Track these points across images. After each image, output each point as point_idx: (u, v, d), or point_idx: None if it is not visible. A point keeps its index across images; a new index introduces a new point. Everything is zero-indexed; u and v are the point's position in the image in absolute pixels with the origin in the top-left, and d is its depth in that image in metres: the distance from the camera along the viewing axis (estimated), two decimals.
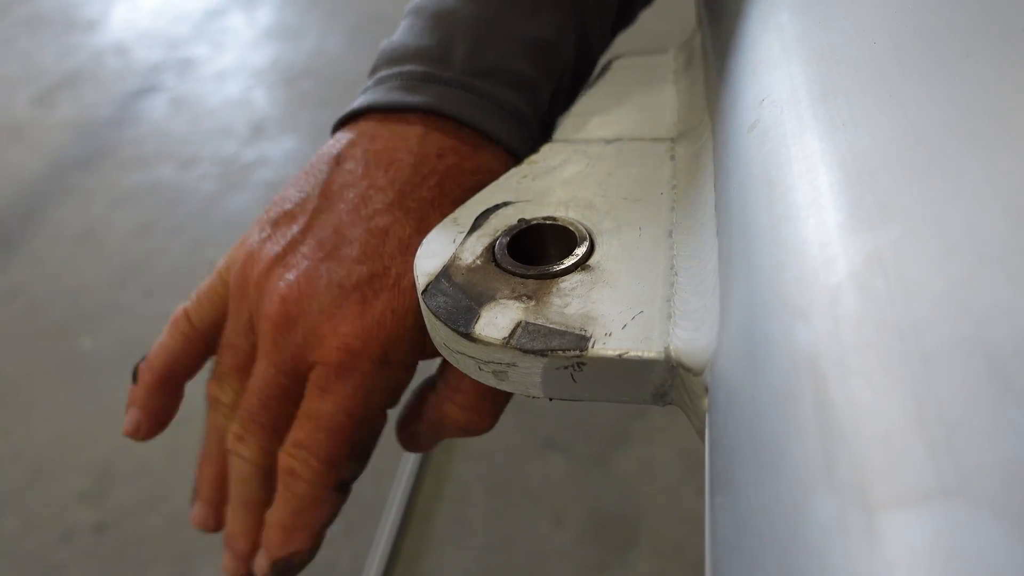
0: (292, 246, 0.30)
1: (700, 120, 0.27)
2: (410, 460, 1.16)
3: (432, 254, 0.27)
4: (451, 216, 0.28)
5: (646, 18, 0.46)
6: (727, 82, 0.24)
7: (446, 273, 0.26)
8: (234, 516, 0.33)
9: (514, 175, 0.29)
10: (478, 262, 0.26)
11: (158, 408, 0.34)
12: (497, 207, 0.28)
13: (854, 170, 0.15)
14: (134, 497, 1.18)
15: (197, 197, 1.80)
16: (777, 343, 0.14)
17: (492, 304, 0.24)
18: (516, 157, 0.32)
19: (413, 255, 0.28)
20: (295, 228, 0.31)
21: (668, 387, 0.21)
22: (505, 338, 0.23)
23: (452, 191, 0.30)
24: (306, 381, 0.30)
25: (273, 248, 0.31)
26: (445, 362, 0.31)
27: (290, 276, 0.29)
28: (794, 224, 0.15)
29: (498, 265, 0.26)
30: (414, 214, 0.30)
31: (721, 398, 0.16)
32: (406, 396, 0.34)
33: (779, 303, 0.14)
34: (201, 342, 0.34)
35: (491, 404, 0.31)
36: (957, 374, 0.11)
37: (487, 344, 0.23)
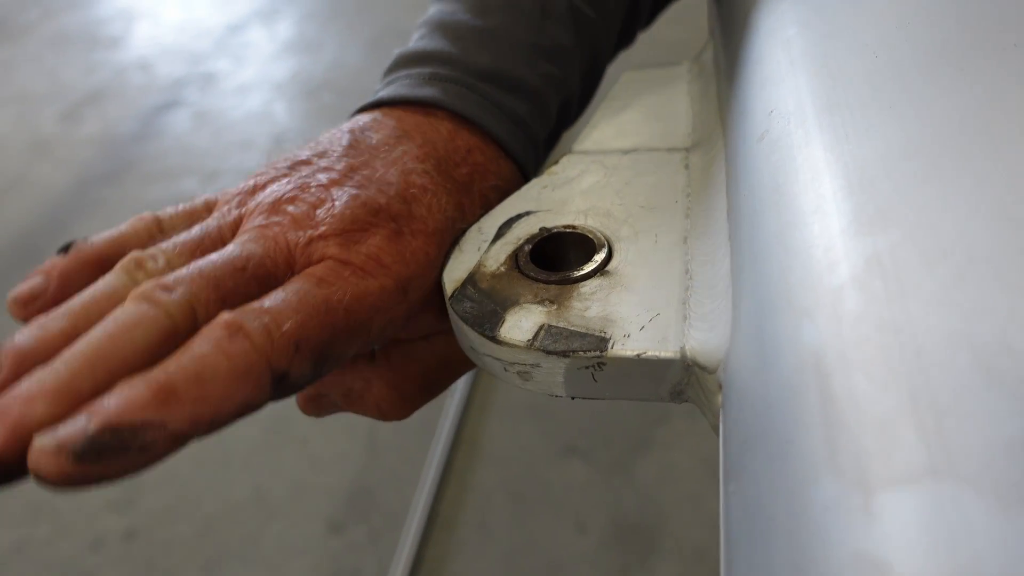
0: (317, 174, 0.28)
1: (713, 131, 0.28)
2: (433, 467, 1.17)
3: (459, 262, 0.28)
4: (475, 225, 0.30)
5: (662, 25, 0.47)
6: (737, 94, 0.25)
7: (472, 280, 0.27)
8: (59, 372, 0.21)
9: (535, 186, 0.31)
10: (502, 269, 0.27)
11: (67, 288, 0.26)
12: (519, 216, 0.29)
13: (856, 179, 0.16)
14: (162, 504, 1.20)
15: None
16: (785, 341, 0.15)
17: (516, 308, 0.25)
18: (517, 164, 0.32)
19: (450, 225, 0.28)
20: (316, 166, 0.29)
21: (684, 385, 0.22)
22: (529, 340, 0.24)
23: (480, 185, 0.30)
24: (287, 275, 0.26)
25: (290, 179, 0.28)
26: (390, 347, 0.30)
27: (317, 186, 0.27)
28: (800, 229, 0.16)
29: (521, 272, 0.27)
30: (450, 188, 0.29)
31: (734, 394, 0.17)
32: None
33: (786, 303, 0.15)
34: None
35: (420, 399, 0.30)
36: (947, 366, 0.12)
37: (512, 346, 0.24)
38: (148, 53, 2.65)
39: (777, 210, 0.18)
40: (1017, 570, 0.10)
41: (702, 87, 0.32)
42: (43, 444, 0.19)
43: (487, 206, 0.31)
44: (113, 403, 0.20)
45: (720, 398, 0.19)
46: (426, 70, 0.32)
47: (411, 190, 0.28)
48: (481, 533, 1.12)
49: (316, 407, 0.31)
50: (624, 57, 0.39)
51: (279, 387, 0.23)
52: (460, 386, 1.30)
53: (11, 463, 0.20)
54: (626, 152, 0.30)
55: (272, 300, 0.24)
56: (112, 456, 0.20)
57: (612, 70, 0.37)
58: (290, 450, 1.26)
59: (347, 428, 1.27)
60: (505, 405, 1.30)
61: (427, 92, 0.31)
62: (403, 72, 0.33)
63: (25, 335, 0.23)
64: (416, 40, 0.34)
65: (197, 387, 0.21)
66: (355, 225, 0.26)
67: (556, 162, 0.31)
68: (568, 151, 0.32)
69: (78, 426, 0.20)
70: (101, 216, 1.86)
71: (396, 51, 0.34)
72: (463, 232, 0.30)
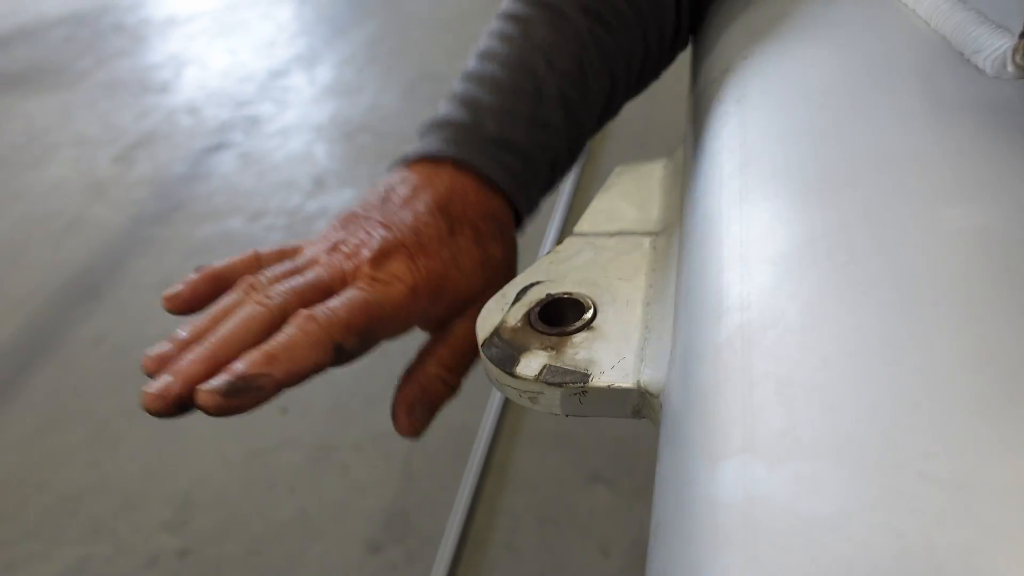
0: (362, 223, 0.41)
1: (674, 220, 0.36)
2: (465, 492, 1.24)
3: (488, 319, 0.38)
4: (500, 292, 0.39)
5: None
6: (687, 195, 0.33)
7: (497, 332, 0.37)
8: (207, 347, 0.35)
9: (544, 261, 0.40)
10: (518, 324, 0.37)
11: (199, 293, 0.40)
12: (532, 285, 0.39)
13: (745, 276, 0.24)
14: (213, 525, 1.28)
15: (265, 247, 1.93)
16: (693, 374, 0.22)
17: (527, 353, 0.35)
18: (512, 204, 0.44)
19: (447, 246, 0.41)
20: (362, 217, 0.42)
21: (641, 406, 0.31)
22: (536, 375, 0.34)
23: (471, 218, 0.43)
24: (343, 288, 0.38)
25: (346, 228, 0.41)
26: (433, 341, 0.43)
27: (362, 233, 0.41)
28: (709, 302, 0.24)
29: (532, 327, 0.36)
30: (446, 221, 0.41)
31: (667, 410, 0.25)
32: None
33: (693, 353, 0.23)
34: (256, 272, 0.40)
35: (463, 364, 0.42)
36: (768, 399, 0.19)
37: (524, 379, 0.34)
38: (196, 97, 2.78)
39: (702, 290, 0.25)
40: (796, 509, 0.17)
41: (671, 182, 0.41)
42: (203, 387, 0.33)
43: (477, 231, 0.43)
44: (240, 364, 0.34)
45: (662, 414, 0.27)
46: (445, 133, 0.44)
47: (419, 227, 0.41)
48: (510, 554, 1.19)
49: (413, 418, 0.42)
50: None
51: (339, 355, 0.36)
52: (490, 417, 1.37)
53: (186, 401, 0.33)
54: (611, 235, 0.40)
55: (332, 301, 0.37)
56: (243, 393, 0.33)
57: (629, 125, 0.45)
58: (332, 475, 1.33)
59: (385, 455, 1.35)
60: (533, 434, 1.36)
61: (440, 151, 0.43)
62: (430, 135, 0.45)
63: (185, 330, 0.37)
64: (443, 109, 0.46)
65: (288, 352, 0.34)
66: (383, 255, 0.40)
67: (560, 243, 0.41)
68: (571, 233, 0.42)
69: (222, 378, 0.33)
70: (153, 254, 1.97)
71: (429, 118, 0.46)
72: (458, 260, 0.42)
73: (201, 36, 3.32)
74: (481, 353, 0.36)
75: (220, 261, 0.41)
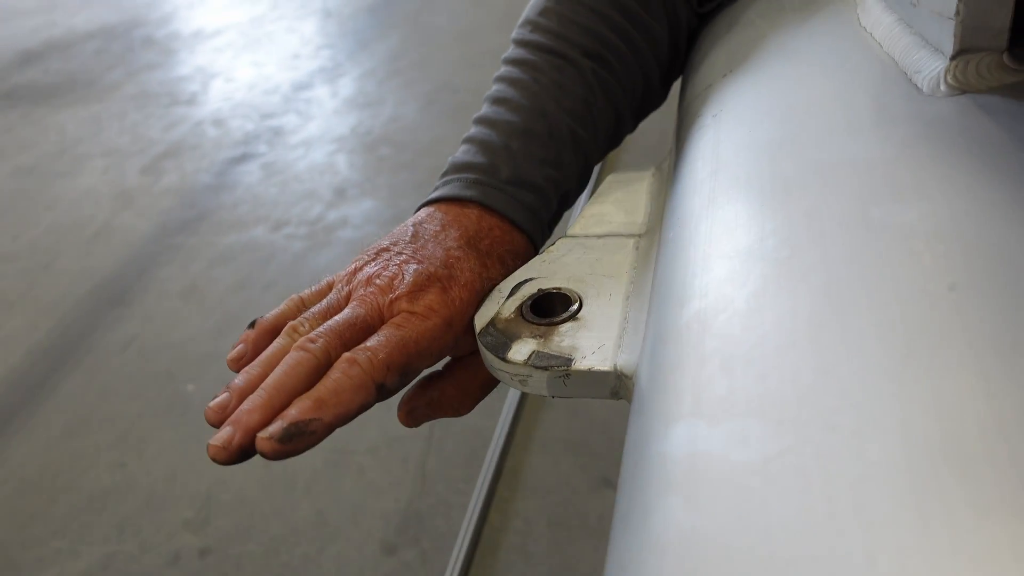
0: (393, 257, 0.43)
1: (656, 223, 0.40)
2: (478, 495, 1.27)
3: (485, 312, 0.42)
4: (497, 288, 0.43)
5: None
6: (668, 200, 0.36)
7: (493, 323, 0.40)
8: (261, 396, 0.37)
9: (537, 260, 0.44)
10: (512, 315, 0.40)
11: (260, 349, 0.42)
12: (525, 281, 0.42)
13: (706, 269, 0.27)
14: (233, 525, 1.32)
15: (287, 255, 1.98)
16: (658, 353, 0.26)
17: (519, 341, 0.39)
18: (531, 239, 0.46)
19: (478, 278, 0.42)
20: (393, 251, 0.44)
21: (618, 387, 0.35)
22: (525, 360, 0.37)
23: (498, 252, 0.45)
24: (380, 325, 0.40)
25: (378, 262, 0.43)
26: (452, 363, 0.45)
27: (394, 266, 0.42)
28: (676, 292, 0.27)
29: (523, 318, 0.40)
30: (476, 256, 0.44)
31: (637, 388, 0.29)
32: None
33: (662, 336, 0.26)
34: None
35: (479, 395, 0.44)
36: (714, 375, 0.23)
37: (514, 364, 0.38)
38: (222, 109, 2.84)
39: (670, 285, 0.29)
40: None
41: (657, 189, 0.44)
42: (262, 436, 0.35)
43: (503, 264, 0.45)
44: (293, 411, 0.36)
45: (633, 393, 0.30)
46: (466, 176, 0.47)
47: (451, 260, 0.43)
48: (522, 557, 1.21)
49: (412, 419, 0.45)
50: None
51: (381, 393, 0.39)
52: (504, 422, 1.40)
53: (248, 448, 0.36)
54: (600, 237, 0.44)
55: (372, 341, 0.39)
56: (297, 439, 0.35)
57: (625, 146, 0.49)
58: (349, 478, 1.37)
59: (400, 459, 1.38)
60: (545, 440, 1.39)
61: (465, 192, 0.46)
62: (452, 176, 0.48)
63: (240, 379, 0.39)
64: (462, 153, 0.49)
65: (335, 397, 0.37)
66: (417, 288, 0.41)
67: (554, 243, 0.44)
68: (563, 234, 0.45)
69: (278, 425, 0.35)
70: (179, 261, 2.02)
71: (449, 159, 0.49)
72: (489, 291, 0.44)
73: (228, 49, 3.40)
74: (478, 341, 0.40)
75: (270, 313, 0.44)
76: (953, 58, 0.29)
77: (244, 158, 2.48)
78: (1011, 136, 0.26)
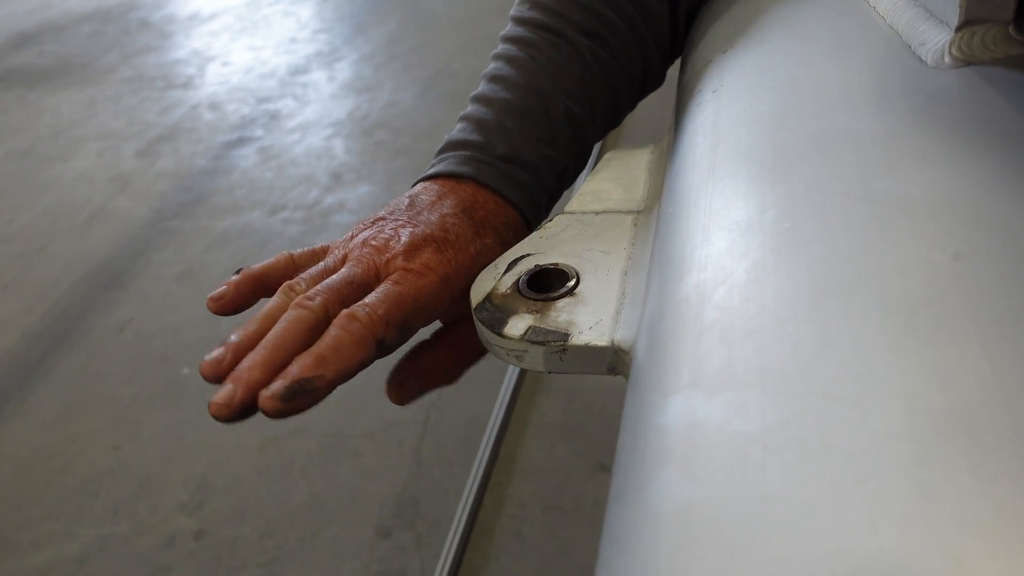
0: (389, 223, 0.43)
1: (655, 200, 0.39)
2: (473, 480, 1.27)
3: (480, 287, 0.41)
4: (493, 263, 0.42)
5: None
6: (667, 175, 0.36)
7: (489, 298, 0.40)
8: (261, 353, 0.36)
9: (535, 236, 0.44)
10: (508, 291, 0.40)
11: (242, 294, 0.42)
12: (522, 257, 0.42)
13: (705, 242, 0.27)
14: (228, 508, 1.32)
15: (283, 240, 1.97)
16: (657, 326, 0.25)
17: (515, 316, 0.38)
18: (524, 216, 0.46)
19: (473, 243, 0.42)
20: (389, 219, 0.44)
21: (615, 363, 0.34)
22: (521, 335, 0.37)
23: (493, 223, 0.45)
24: (376, 284, 0.40)
25: (374, 228, 0.43)
26: (442, 331, 0.45)
27: (390, 229, 0.42)
28: (675, 265, 0.27)
29: (520, 293, 0.39)
30: (471, 223, 0.44)
31: (635, 361, 0.28)
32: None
33: (660, 309, 0.26)
34: (291, 273, 0.43)
35: (468, 361, 0.45)
36: (713, 344, 0.22)
37: (511, 339, 0.37)
38: (218, 92, 2.83)
39: (669, 259, 0.28)
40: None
41: (656, 166, 0.44)
42: (264, 394, 0.35)
43: (498, 233, 0.45)
44: (295, 368, 0.35)
45: (631, 368, 0.30)
46: (462, 153, 0.47)
47: (446, 224, 0.43)
48: (517, 541, 1.21)
49: (403, 395, 0.44)
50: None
51: (380, 349, 0.38)
52: (499, 407, 1.40)
53: (250, 406, 0.35)
54: (598, 213, 0.43)
55: (370, 298, 0.39)
56: (300, 396, 0.35)
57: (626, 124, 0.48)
58: (344, 461, 1.37)
59: (396, 443, 1.38)
60: (541, 425, 1.39)
61: (460, 169, 0.46)
62: (449, 154, 0.48)
63: (236, 335, 0.38)
64: (458, 131, 0.49)
65: (336, 353, 0.36)
66: (413, 248, 0.41)
67: (552, 220, 0.44)
68: (561, 211, 0.45)
69: (280, 383, 0.35)
70: (175, 245, 2.01)
71: (446, 136, 0.49)
72: (485, 258, 0.44)
73: (224, 33, 3.38)
74: (474, 316, 0.40)
75: (257, 264, 0.43)
76: (958, 29, 0.28)
77: (240, 142, 2.46)
78: (1015, 107, 0.25)
